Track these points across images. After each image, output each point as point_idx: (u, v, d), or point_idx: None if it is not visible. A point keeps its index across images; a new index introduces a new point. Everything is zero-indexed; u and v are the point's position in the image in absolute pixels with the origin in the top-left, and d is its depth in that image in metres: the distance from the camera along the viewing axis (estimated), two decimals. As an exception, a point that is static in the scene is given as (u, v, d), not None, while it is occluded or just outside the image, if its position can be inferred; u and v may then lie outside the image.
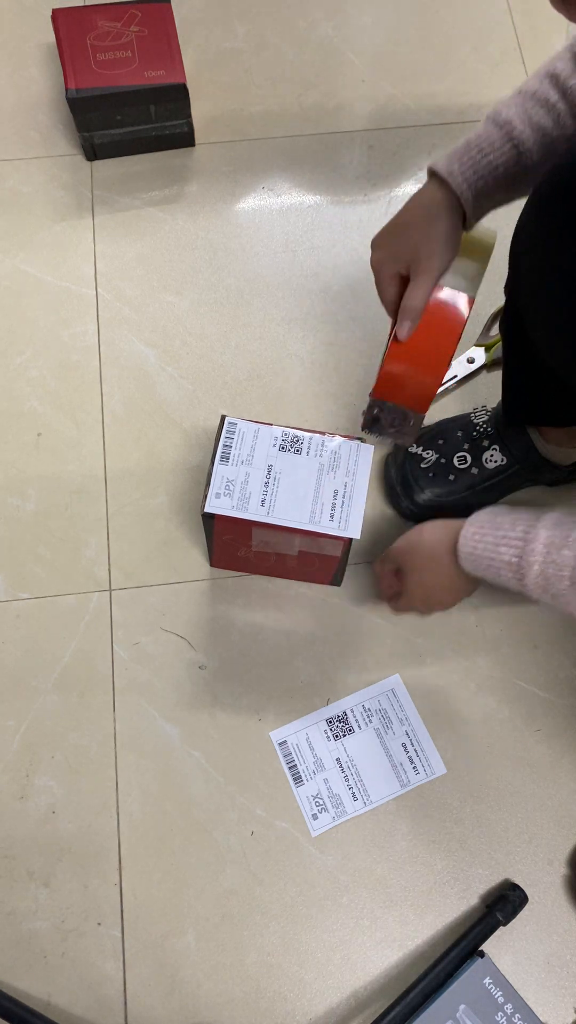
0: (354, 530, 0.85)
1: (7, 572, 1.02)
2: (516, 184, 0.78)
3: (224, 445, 0.87)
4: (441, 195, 0.78)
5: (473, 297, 0.83)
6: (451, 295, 0.83)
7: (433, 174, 0.79)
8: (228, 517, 0.85)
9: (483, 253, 0.85)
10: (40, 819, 0.93)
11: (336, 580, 1.00)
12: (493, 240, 0.85)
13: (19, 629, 0.99)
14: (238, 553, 0.95)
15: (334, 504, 0.85)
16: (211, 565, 1.01)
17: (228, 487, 0.86)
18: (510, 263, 0.80)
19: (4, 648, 0.99)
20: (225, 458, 0.87)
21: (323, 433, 0.88)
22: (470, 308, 0.83)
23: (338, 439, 0.88)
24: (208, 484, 0.86)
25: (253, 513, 0.85)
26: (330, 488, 0.86)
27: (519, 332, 0.85)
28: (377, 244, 0.84)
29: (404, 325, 0.81)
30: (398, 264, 0.81)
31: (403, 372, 0.83)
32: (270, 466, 0.87)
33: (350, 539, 0.85)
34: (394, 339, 0.82)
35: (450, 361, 0.83)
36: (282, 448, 0.87)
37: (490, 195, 0.79)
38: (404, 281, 0.82)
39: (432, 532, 0.82)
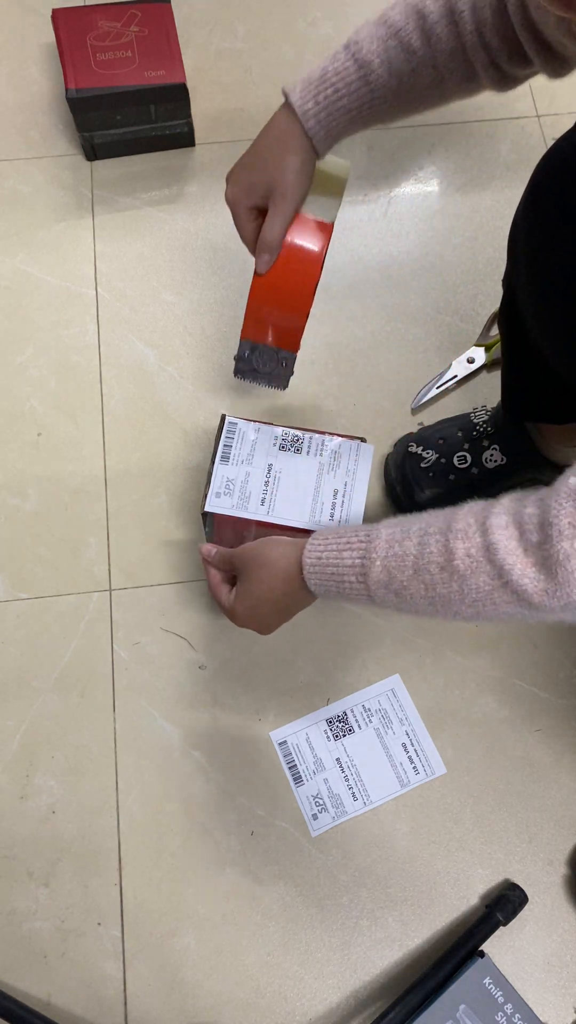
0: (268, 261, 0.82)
1: (7, 572, 1.02)
2: (366, 120, 0.78)
3: (224, 445, 0.87)
4: (295, 127, 0.77)
5: (331, 224, 0.82)
6: (309, 226, 0.82)
7: (287, 103, 0.77)
8: (228, 516, 0.85)
9: (337, 185, 0.83)
10: (40, 819, 0.93)
11: None
12: (347, 172, 0.84)
13: (19, 629, 0.99)
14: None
15: (334, 503, 0.85)
16: None
17: (228, 486, 0.86)
18: (508, 256, 0.80)
19: (4, 648, 0.99)
20: (225, 458, 0.87)
21: (323, 432, 0.88)
22: (328, 237, 0.82)
23: (338, 439, 0.88)
24: (208, 483, 0.86)
25: (253, 512, 0.85)
26: (330, 487, 0.86)
27: (517, 326, 0.85)
28: (231, 178, 0.82)
29: (262, 258, 0.80)
30: (253, 197, 0.80)
31: (268, 308, 0.83)
32: (270, 465, 0.87)
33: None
34: (255, 275, 0.81)
35: (313, 292, 0.81)
36: (282, 448, 0.88)
37: (341, 132, 0.78)
38: (262, 215, 0.80)
39: (277, 546, 0.77)
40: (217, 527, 0.89)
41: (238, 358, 0.88)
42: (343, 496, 0.86)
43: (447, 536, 0.63)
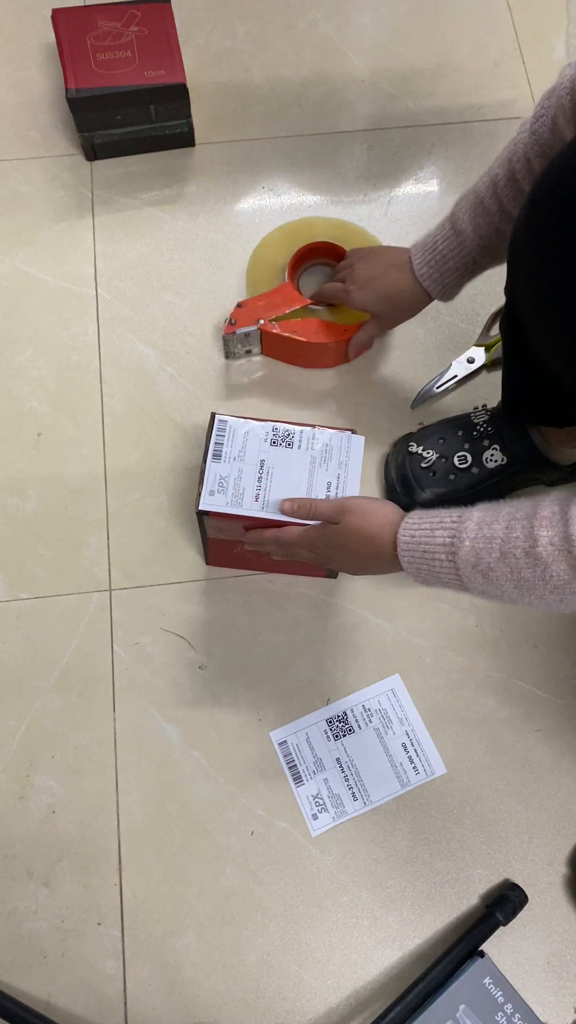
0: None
1: (7, 572, 1.02)
2: (473, 271, 0.93)
3: (215, 442, 0.88)
4: (421, 289, 0.96)
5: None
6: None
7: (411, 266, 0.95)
8: (223, 514, 0.86)
9: None
10: (40, 819, 0.93)
11: (333, 572, 1.00)
12: None
13: (19, 629, 0.99)
14: (233, 550, 0.95)
15: (327, 496, 0.86)
16: (207, 563, 1.01)
17: (222, 484, 0.86)
18: (508, 267, 0.80)
19: (4, 648, 0.99)
20: (217, 455, 0.87)
21: (313, 426, 0.89)
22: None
23: (328, 431, 0.89)
24: (201, 482, 0.86)
25: (248, 509, 0.85)
26: (323, 480, 0.87)
27: (518, 333, 0.85)
28: (363, 295, 1.00)
29: (351, 351, 1.08)
30: (367, 309, 1.01)
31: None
32: (262, 461, 0.87)
33: None
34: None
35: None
36: (273, 443, 0.88)
37: (458, 285, 0.95)
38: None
39: (383, 507, 0.80)
40: (213, 526, 0.89)
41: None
42: (336, 488, 0.86)
43: (532, 522, 0.65)
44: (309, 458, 0.88)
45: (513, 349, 0.90)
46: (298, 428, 0.89)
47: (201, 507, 0.85)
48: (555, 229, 0.67)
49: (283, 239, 1.14)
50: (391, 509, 0.80)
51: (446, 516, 0.73)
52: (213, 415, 0.89)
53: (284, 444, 0.88)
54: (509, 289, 0.83)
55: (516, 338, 0.88)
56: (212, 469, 0.87)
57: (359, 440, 0.89)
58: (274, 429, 0.89)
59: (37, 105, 1.23)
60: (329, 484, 0.87)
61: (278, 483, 0.86)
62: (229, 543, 0.93)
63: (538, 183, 0.71)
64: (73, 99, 1.10)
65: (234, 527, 0.88)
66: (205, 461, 0.87)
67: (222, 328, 1.08)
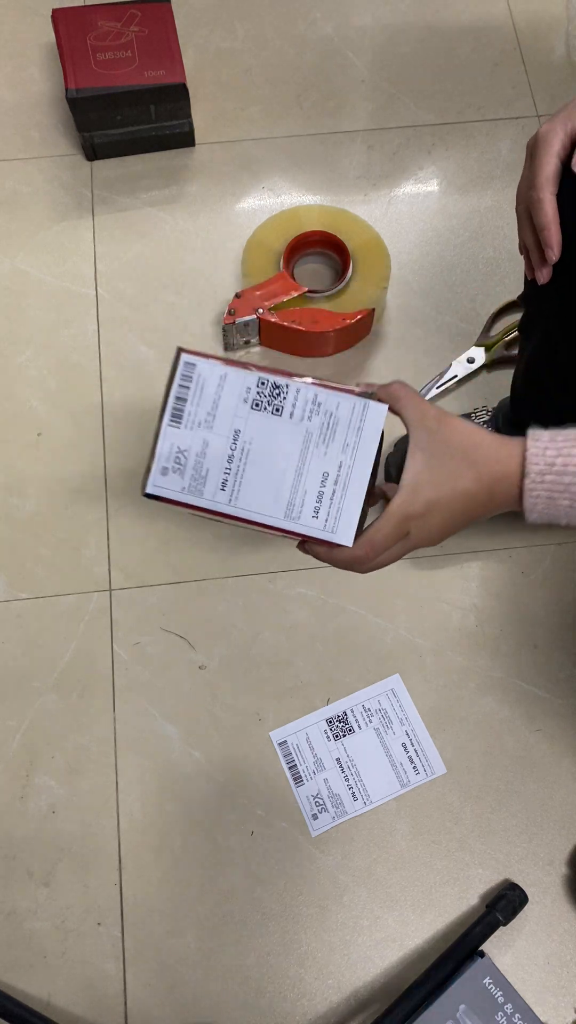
0: (344, 533, 0.61)
1: (7, 572, 1.02)
2: None
3: (177, 397, 0.62)
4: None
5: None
6: None
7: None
8: (177, 502, 0.62)
9: None
10: (40, 819, 0.93)
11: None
12: None
13: (19, 629, 0.99)
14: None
15: (321, 492, 0.62)
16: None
17: (179, 460, 0.62)
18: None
19: (4, 648, 0.99)
20: (177, 417, 0.62)
21: (317, 383, 0.62)
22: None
23: (336, 395, 0.62)
24: (152, 455, 0.62)
25: (210, 499, 0.62)
26: (319, 468, 0.62)
27: (536, 334, 0.85)
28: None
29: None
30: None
31: None
32: (237, 431, 0.62)
33: (350, 545, 0.62)
34: None
35: None
36: (256, 405, 0.62)
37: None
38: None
39: (465, 435, 0.60)
40: (172, 506, 0.65)
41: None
42: (335, 482, 0.62)
43: None
44: (303, 432, 0.62)
45: (530, 349, 0.90)
46: (294, 384, 0.62)
47: (147, 490, 0.62)
48: None
49: (278, 227, 1.14)
50: (494, 442, 0.60)
51: None
52: (179, 351, 0.62)
53: (271, 409, 0.62)
54: (536, 293, 0.78)
55: (534, 338, 0.87)
56: (168, 436, 0.62)
57: (378, 411, 0.62)
58: (260, 383, 0.62)
59: (37, 105, 1.23)
60: (326, 475, 0.62)
61: (255, 466, 0.62)
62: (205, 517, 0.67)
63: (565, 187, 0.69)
64: (73, 99, 1.10)
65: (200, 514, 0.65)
66: (160, 421, 0.62)
67: (222, 320, 1.08)
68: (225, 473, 0.62)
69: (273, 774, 0.94)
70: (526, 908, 0.90)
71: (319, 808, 0.93)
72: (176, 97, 1.13)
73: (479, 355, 1.10)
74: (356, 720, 0.96)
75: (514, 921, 0.89)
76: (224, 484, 0.62)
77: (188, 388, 0.62)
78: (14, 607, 1.00)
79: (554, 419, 0.88)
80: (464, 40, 1.28)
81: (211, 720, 0.96)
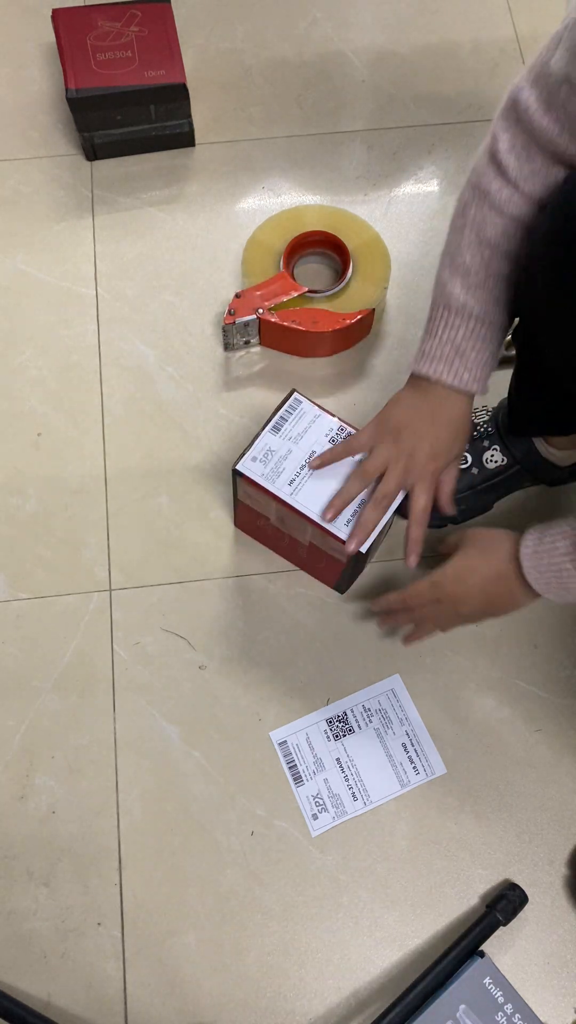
0: (359, 542, 0.84)
1: (7, 572, 1.02)
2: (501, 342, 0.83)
3: (280, 416, 0.88)
4: (466, 405, 0.84)
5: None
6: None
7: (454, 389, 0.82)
8: (254, 482, 0.86)
9: None
10: (40, 819, 0.93)
11: (340, 587, 1.00)
12: None
13: (19, 629, 0.99)
14: (258, 522, 0.95)
15: (356, 512, 0.85)
16: (235, 525, 1.02)
17: (267, 455, 0.87)
18: (522, 286, 0.79)
19: (4, 648, 0.99)
20: (277, 428, 0.88)
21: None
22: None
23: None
24: (250, 445, 0.87)
25: (278, 489, 0.86)
26: (358, 492, 0.85)
27: (530, 348, 0.85)
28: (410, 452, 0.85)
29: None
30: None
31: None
32: (313, 452, 0.87)
33: (358, 552, 0.85)
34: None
35: None
36: (332, 441, 0.88)
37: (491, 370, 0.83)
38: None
39: (499, 531, 0.81)
40: (243, 491, 0.89)
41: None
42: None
43: None
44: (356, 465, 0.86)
45: (524, 363, 0.90)
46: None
47: (238, 467, 0.86)
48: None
49: (278, 227, 1.13)
50: (505, 535, 0.80)
51: (565, 525, 0.73)
52: (292, 391, 0.90)
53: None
54: (521, 305, 0.81)
55: (530, 353, 0.88)
56: (265, 438, 0.87)
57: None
58: (339, 429, 0.88)
59: (37, 105, 1.23)
60: (363, 502, 0.85)
61: (317, 479, 0.86)
62: (255, 513, 0.93)
63: (562, 193, 0.70)
64: (73, 99, 1.10)
65: (262, 499, 0.88)
66: (263, 428, 0.88)
67: (222, 320, 1.08)
68: (295, 475, 0.87)
69: (273, 774, 0.94)
70: (526, 908, 0.90)
71: (319, 808, 0.93)
72: (176, 97, 1.13)
73: (479, 355, 1.10)
74: (356, 720, 0.96)
75: (514, 921, 0.89)
76: (291, 482, 0.86)
77: (291, 414, 0.89)
78: (14, 607, 1.00)
79: (553, 427, 0.91)
80: (464, 40, 1.28)
81: (211, 720, 0.96)
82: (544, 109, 0.69)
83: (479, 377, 0.81)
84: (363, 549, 0.84)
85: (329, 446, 0.87)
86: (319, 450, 0.87)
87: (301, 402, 0.89)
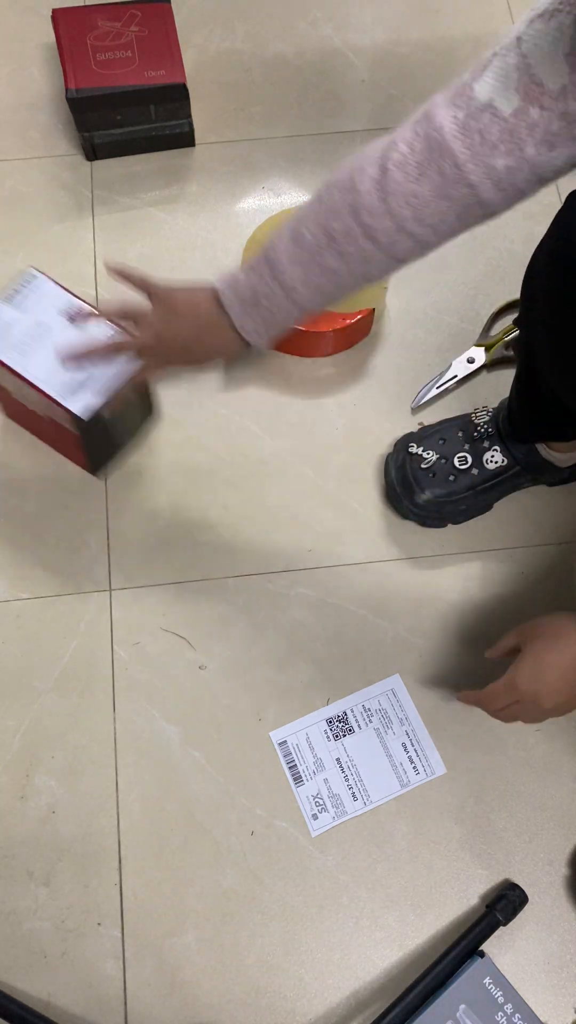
0: (81, 406, 0.84)
1: (7, 572, 1.02)
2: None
3: (14, 288, 0.90)
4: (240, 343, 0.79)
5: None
6: None
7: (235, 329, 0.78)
8: None
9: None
10: (40, 819, 0.93)
11: (90, 467, 1.01)
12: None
13: (19, 629, 0.99)
14: (16, 407, 0.97)
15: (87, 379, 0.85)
16: (5, 415, 1.05)
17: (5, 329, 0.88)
18: (523, 301, 0.79)
19: (4, 648, 0.99)
20: (8, 299, 0.89)
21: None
22: None
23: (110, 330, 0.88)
24: None
25: (6, 355, 0.87)
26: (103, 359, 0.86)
27: (531, 368, 0.85)
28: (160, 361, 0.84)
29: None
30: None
31: None
32: (42, 323, 0.88)
33: (86, 418, 0.85)
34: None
35: None
36: (68, 318, 0.88)
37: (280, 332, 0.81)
38: None
39: (558, 615, 0.79)
40: None
41: None
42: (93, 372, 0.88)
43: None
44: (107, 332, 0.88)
45: (526, 374, 0.90)
46: (102, 328, 0.88)
47: None
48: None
49: (278, 227, 1.13)
50: (567, 618, 0.78)
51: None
52: (29, 267, 0.91)
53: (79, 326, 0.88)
54: (522, 322, 0.81)
55: (530, 367, 0.88)
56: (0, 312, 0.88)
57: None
58: (78, 308, 0.89)
59: (37, 105, 1.23)
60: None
61: (49, 348, 0.87)
62: (8, 394, 0.94)
63: (563, 217, 0.70)
64: (73, 99, 1.10)
65: (3, 373, 0.89)
66: None
67: None
68: (25, 343, 0.88)
69: (273, 774, 0.95)
70: (526, 908, 0.90)
71: (319, 808, 0.93)
72: (176, 97, 1.13)
73: (479, 355, 1.10)
74: (356, 720, 0.96)
75: (514, 921, 0.89)
76: (24, 352, 0.88)
77: (24, 287, 0.90)
78: (14, 607, 1.00)
79: (554, 434, 0.91)
80: (464, 40, 1.28)
81: (211, 720, 0.96)
82: (459, 131, 0.66)
83: (252, 331, 0.77)
84: (84, 416, 0.84)
85: (63, 320, 0.88)
86: (48, 321, 0.88)
87: (36, 277, 0.90)
